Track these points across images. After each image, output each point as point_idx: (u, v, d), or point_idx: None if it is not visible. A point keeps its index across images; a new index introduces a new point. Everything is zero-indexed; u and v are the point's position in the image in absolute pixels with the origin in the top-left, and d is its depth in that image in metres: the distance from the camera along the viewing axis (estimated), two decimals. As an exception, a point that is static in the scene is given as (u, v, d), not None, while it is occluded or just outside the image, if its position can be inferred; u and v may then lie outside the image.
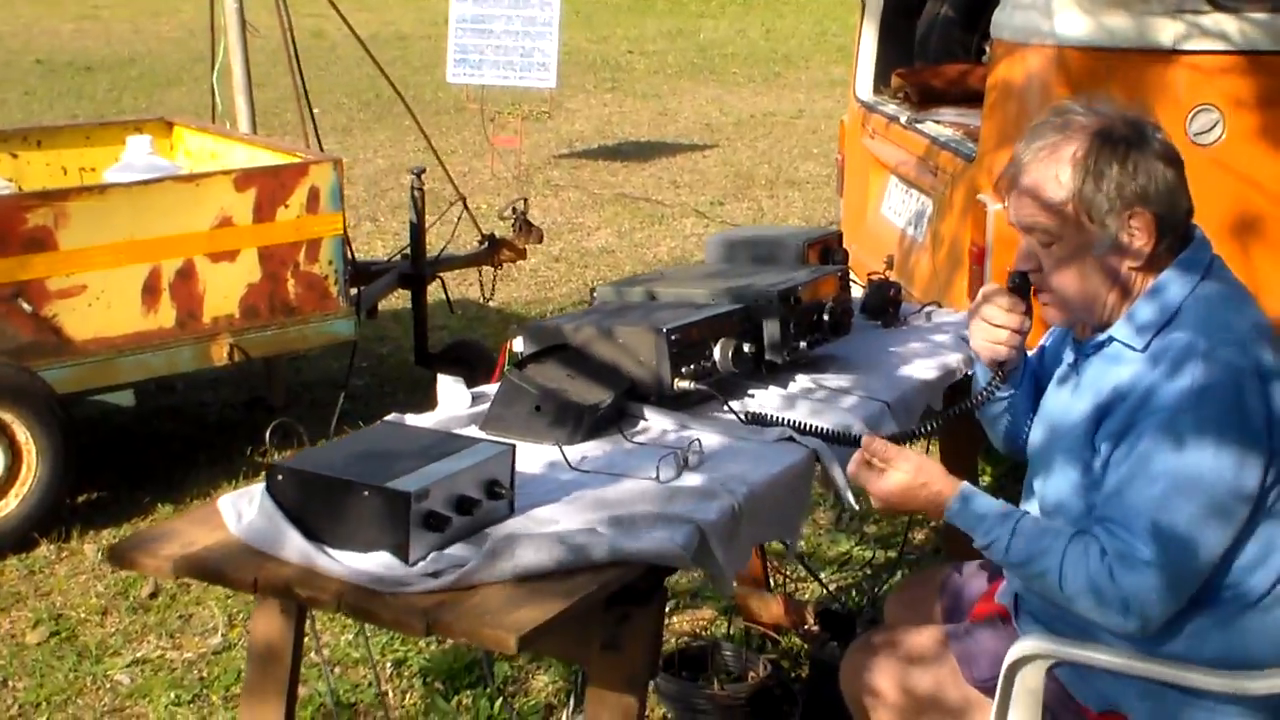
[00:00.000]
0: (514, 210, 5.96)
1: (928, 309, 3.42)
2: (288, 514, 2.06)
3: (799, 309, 2.88)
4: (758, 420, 2.60)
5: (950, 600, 2.78)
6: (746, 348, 2.75)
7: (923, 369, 3.03)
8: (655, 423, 2.64)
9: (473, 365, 5.82)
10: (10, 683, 3.70)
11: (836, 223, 5.72)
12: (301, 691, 3.52)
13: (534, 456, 2.46)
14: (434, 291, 5.85)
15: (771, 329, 2.82)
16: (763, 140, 11.45)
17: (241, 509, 2.14)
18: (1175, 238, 2.31)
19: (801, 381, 2.90)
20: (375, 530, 2.01)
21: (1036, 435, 2.52)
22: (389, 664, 3.74)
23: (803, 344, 2.90)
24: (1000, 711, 2.38)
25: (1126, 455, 2.21)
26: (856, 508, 2.68)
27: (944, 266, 4.28)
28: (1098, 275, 2.31)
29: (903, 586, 2.99)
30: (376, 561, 2.00)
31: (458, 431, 2.51)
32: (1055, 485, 2.40)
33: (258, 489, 2.19)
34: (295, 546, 2.02)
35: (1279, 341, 2.30)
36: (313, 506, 2.05)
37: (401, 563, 2.00)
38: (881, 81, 5.32)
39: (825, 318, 2.96)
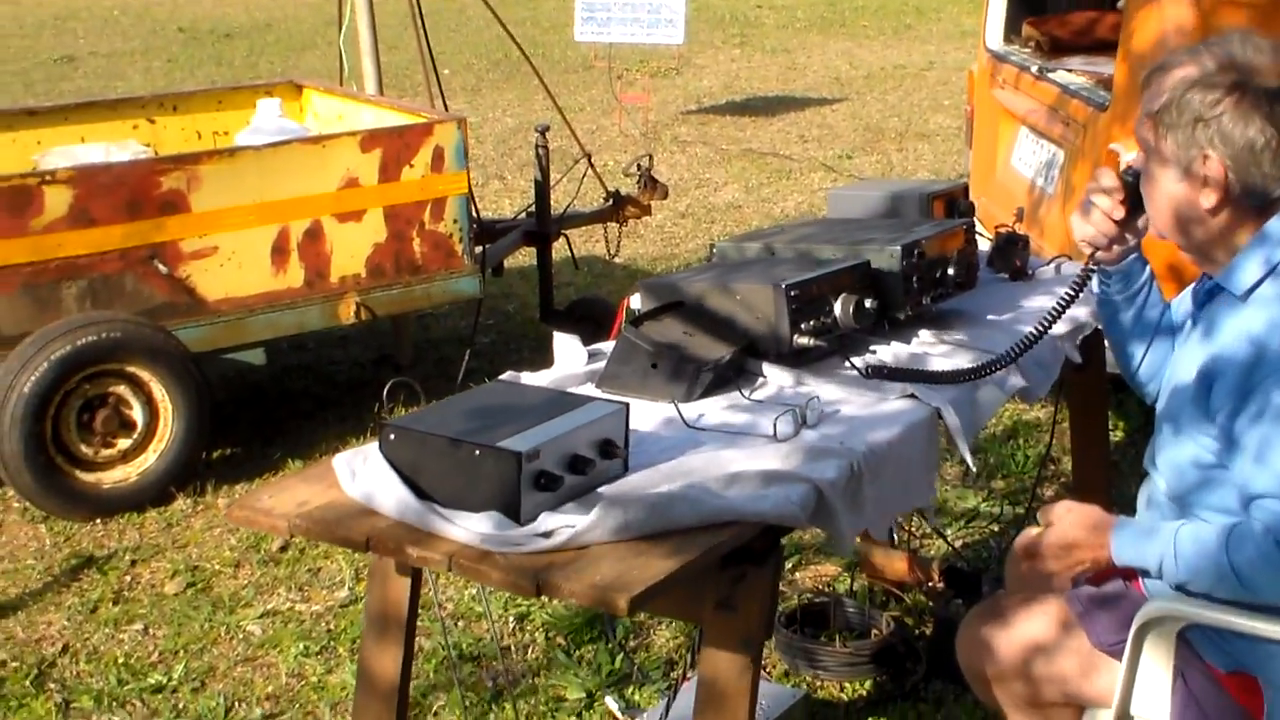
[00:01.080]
0: (639, 167, 5.93)
1: (1057, 261, 3.32)
2: (400, 473, 2.06)
3: (923, 263, 2.81)
4: (877, 373, 2.54)
5: None
6: (868, 303, 2.69)
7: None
8: (774, 380, 2.59)
9: (597, 322, 5.82)
10: (151, 630, 3.80)
11: (965, 175, 5.60)
12: (425, 644, 3.57)
13: (650, 414, 2.43)
14: (560, 249, 5.86)
15: (894, 283, 2.76)
16: (892, 93, 11.27)
17: (355, 468, 2.15)
18: (1256, 194, 2.22)
19: (924, 337, 2.83)
20: (486, 490, 2.01)
21: (1162, 400, 2.45)
22: (511, 618, 3.76)
23: (926, 299, 2.83)
24: (1129, 674, 2.32)
25: (1258, 417, 2.14)
26: (974, 468, 2.62)
27: (1076, 218, 4.16)
28: (1179, 202, 2.26)
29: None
30: (488, 521, 1.99)
31: (574, 390, 2.50)
32: (1173, 452, 2.33)
33: (371, 448, 2.20)
34: (407, 505, 2.02)
35: None
36: (424, 466, 2.05)
37: (513, 522, 1.99)
38: (1012, 31, 5.21)
39: (950, 272, 2.88)
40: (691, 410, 2.46)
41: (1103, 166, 2.44)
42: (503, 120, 10.50)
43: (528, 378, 2.58)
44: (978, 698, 2.62)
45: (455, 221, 5.01)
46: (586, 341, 5.74)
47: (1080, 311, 2.99)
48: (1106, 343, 2.68)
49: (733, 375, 2.59)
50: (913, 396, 2.52)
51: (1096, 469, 3.47)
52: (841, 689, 3.40)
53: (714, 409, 2.49)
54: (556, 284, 5.81)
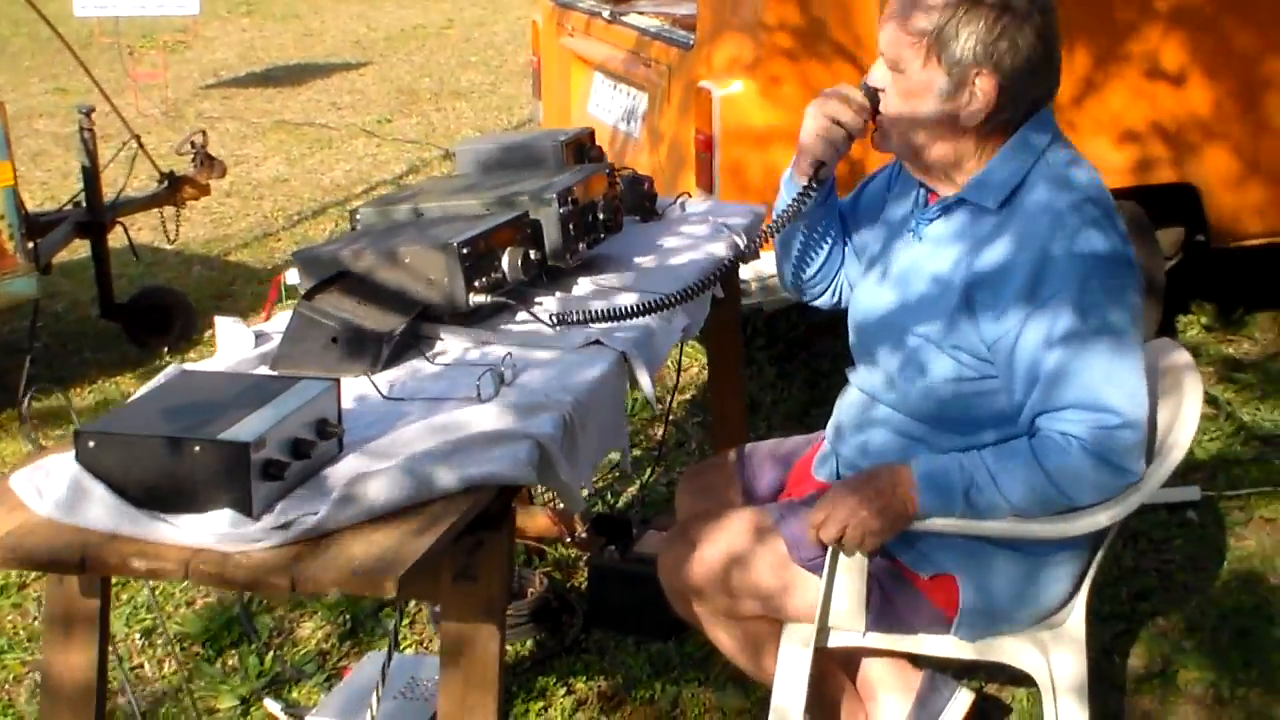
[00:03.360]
0: (192, 145, 5.62)
1: (680, 199, 3.38)
2: (107, 483, 1.85)
3: (576, 210, 2.79)
4: (571, 320, 2.50)
5: (748, 483, 2.77)
6: (533, 255, 2.65)
7: (696, 260, 2.99)
8: (453, 342, 2.51)
9: (168, 311, 5.50)
10: None
11: (536, 125, 5.62)
12: (30, 682, 3.27)
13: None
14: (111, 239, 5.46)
15: (553, 232, 2.73)
16: (417, 54, 11.19)
17: (39, 484, 1.92)
18: (1022, 113, 2.31)
19: (584, 285, 2.82)
20: (212, 487, 1.83)
21: (875, 298, 2.49)
22: (137, 635, 3.49)
23: (582, 245, 2.82)
24: (828, 587, 2.40)
25: (1051, 333, 2.22)
26: (657, 409, 2.63)
27: (668, 161, 4.25)
28: (933, 120, 2.29)
29: (692, 475, 2.94)
30: (218, 521, 1.82)
31: (248, 373, 2.33)
32: (913, 369, 2.38)
33: (52, 460, 1.97)
34: (124, 517, 1.82)
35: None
36: (134, 470, 1.85)
37: (246, 518, 1.84)
38: (573, -21, 5.21)
39: (600, 216, 2.88)
40: (380, 381, 2.35)
41: (843, 84, 2.43)
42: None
43: (192, 367, 2.38)
44: (681, 618, 2.63)
45: (3, 217, 4.58)
46: (158, 334, 5.43)
47: (717, 247, 3.08)
48: (775, 252, 2.70)
49: (412, 342, 2.49)
50: (598, 343, 2.51)
51: (735, 401, 3.58)
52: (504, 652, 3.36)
53: (402, 378, 2.38)
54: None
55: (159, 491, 1.85)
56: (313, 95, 9.84)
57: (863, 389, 2.51)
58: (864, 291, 2.54)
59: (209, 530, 1.81)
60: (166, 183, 5.58)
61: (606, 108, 4.83)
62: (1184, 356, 2.50)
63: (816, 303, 2.72)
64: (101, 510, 1.84)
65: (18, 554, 1.83)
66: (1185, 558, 3.51)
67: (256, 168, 8.05)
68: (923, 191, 2.45)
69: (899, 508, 2.29)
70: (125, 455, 1.85)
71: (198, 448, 1.83)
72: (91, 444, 1.86)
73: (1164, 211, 4.42)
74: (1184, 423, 2.35)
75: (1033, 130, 2.33)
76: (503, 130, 8.56)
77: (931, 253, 2.39)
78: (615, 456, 4.07)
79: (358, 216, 2.86)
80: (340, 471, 2.00)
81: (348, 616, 3.45)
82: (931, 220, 2.41)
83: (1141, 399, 2.24)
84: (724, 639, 2.58)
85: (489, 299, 2.53)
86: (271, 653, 3.33)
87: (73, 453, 1.91)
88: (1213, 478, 3.84)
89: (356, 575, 1.76)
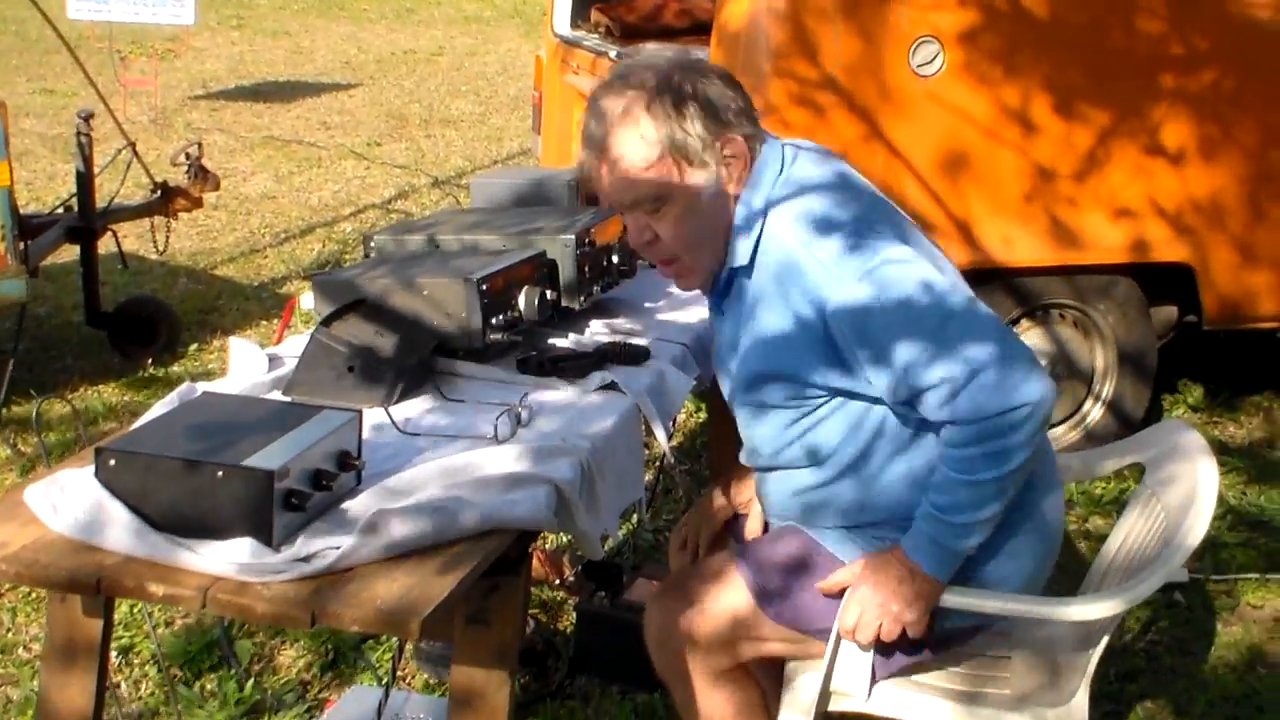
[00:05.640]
0: (187, 156, 5.58)
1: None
2: (125, 503, 1.82)
3: (591, 252, 2.78)
4: (574, 368, 2.49)
5: (740, 532, 2.73)
6: (549, 295, 2.64)
7: (704, 309, 2.98)
8: (469, 378, 2.49)
9: (153, 322, 5.44)
10: None
11: (534, 159, 5.61)
12: (13, 694, 3.20)
13: (354, 421, 2.27)
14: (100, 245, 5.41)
15: (569, 273, 2.72)
16: (407, 79, 11.18)
17: (55, 500, 1.88)
18: (761, 146, 2.24)
19: (596, 327, 2.81)
20: (233, 514, 1.80)
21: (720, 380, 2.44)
22: (115, 652, 3.43)
23: (596, 288, 2.81)
24: (831, 659, 2.36)
25: (860, 343, 2.13)
26: (673, 460, 2.61)
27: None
28: (716, 215, 2.21)
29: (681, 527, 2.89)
30: (238, 550, 1.79)
31: (260, 397, 2.30)
32: (769, 430, 2.34)
33: (66, 476, 1.93)
34: (145, 540, 1.78)
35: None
36: (154, 492, 1.82)
37: (267, 548, 1.81)
38: (579, 16, 5.22)
39: (614, 260, 2.87)
40: (395, 413, 2.32)
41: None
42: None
43: (205, 386, 2.35)
44: (661, 678, 2.55)
45: (-2, 218, 4.52)
46: (143, 345, 5.37)
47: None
48: None
49: (427, 375, 2.46)
50: (612, 387, 2.49)
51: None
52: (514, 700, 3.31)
53: (417, 411, 2.36)
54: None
55: (179, 515, 1.82)
56: (302, 113, 9.81)
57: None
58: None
59: (229, 559, 1.78)
60: (159, 192, 5.53)
61: (610, 147, 4.82)
62: (1196, 440, 2.48)
63: None
64: (121, 532, 1.80)
65: (33, 571, 1.79)
66: (1173, 640, 3.50)
67: (244, 182, 8.01)
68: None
69: (922, 587, 2.23)
70: (146, 476, 1.82)
71: (221, 473, 1.80)
72: (112, 463, 1.83)
73: (1158, 290, 4.45)
74: (1200, 512, 2.31)
75: (762, 163, 2.24)
76: (491, 162, 8.56)
77: (732, 323, 2.32)
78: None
79: (372, 243, 2.84)
80: (359, 505, 1.97)
81: (330, 646, 3.40)
82: (721, 301, 2.35)
83: (971, 325, 2.10)
84: (716, 700, 2.52)
85: (506, 336, 2.51)
86: (252, 680, 3.27)
87: (90, 469, 1.87)
88: (1200, 560, 3.84)
89: (380, 613, 1.73)
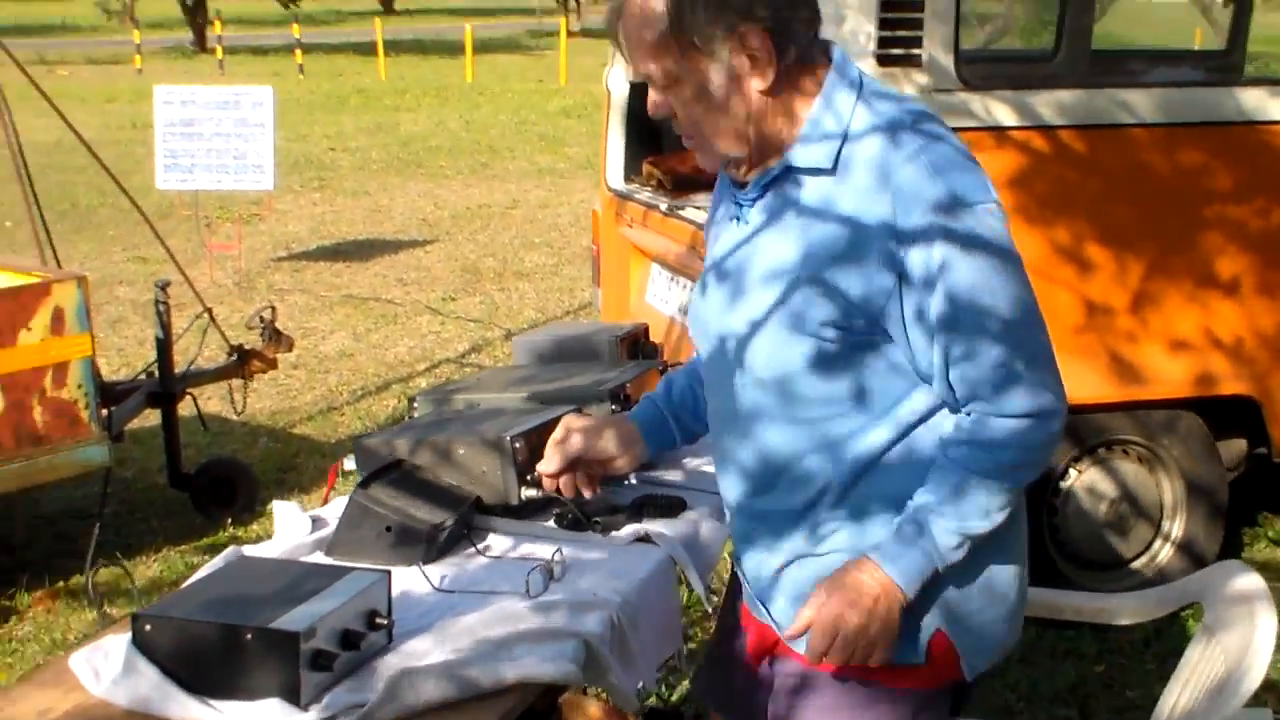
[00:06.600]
0: (261, 319, 5.79)
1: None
2: (161, 667, 1.91)
3: (628, 406, 2.86)
4: (609, 522, 2.56)
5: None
6: (585, 449, 2.71)
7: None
8: (504, 534, 2.57)
9: (233, 483, 5.60)
10: None
11: (596, 311, 5.74)
12: None
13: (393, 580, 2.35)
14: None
15: (604, 429, 2.79)
16: (481, 233, 11.44)
17: (98, 666, 1.98)
18: (803, 49, 2.10)
19: (632, 479, 2.87)
20: (262, 675, 1.88)
21: (711, 302, 2.25)
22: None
23: (633, 441, 2.88)
24: None
25: (927, 323, 2.03)
26: (710, 608, 2.63)
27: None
28: (732, 105, 2.08)
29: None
30: (267, 709, 1.87)
31: (303, 559, 2.39)
32: (776, 352, 2.13)
33: (110, 641, 2.03)
34: (179, 702, 1.87)
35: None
36: (187, 655, 1.91)
37: (295, 708, 1.88)
38: (632, 170, 5.35)
39: (651, 413, 2.95)
40: (431, 572, 2.40)
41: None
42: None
43: (250, 550, 2.45)
44: None
45: (80, 386, 4.72)
46: (223, 505, 5.52)
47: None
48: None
49: (463, 532, 2.55)
50: (645, 540, 2.55)
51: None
52: None
53: (453, 569, 2.43)
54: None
55: (210, 676, 1.90)
56: (380, 270, 10.08)
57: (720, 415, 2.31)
58: (701, 300, 2.30)
59: (255, 718, 1.86)
60: (235, 355, 5.73)
61: (664, 298, 4.93)
62: (1255, 582, 2.46)
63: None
64: (151, 691, 1.89)
65: (74, 736, 1.88)
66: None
67: (323, 341, 8.23)
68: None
69: (889, 599, 2.09)
70: (179, 639, 1.91)
71: (249, 635, 1.88)
72: (148, 627, 1.92)
73: (1225, 424, 4.43)
74: (1258, 652, 2.29)
75: (840, 71, 2.13)
76: (564, 314, 8.72)
77: (766, 235, 2.16)
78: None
79: (414, 404, 2.94)
80: (389, 662, 2.04)
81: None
82: (754, 201, 2.18)
83: (1026, 322, 2.07)
84: None
85: (540, 493, 2.59)
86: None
87: (129, 634, 1.97)
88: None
89: (400, 771, 1.79)
